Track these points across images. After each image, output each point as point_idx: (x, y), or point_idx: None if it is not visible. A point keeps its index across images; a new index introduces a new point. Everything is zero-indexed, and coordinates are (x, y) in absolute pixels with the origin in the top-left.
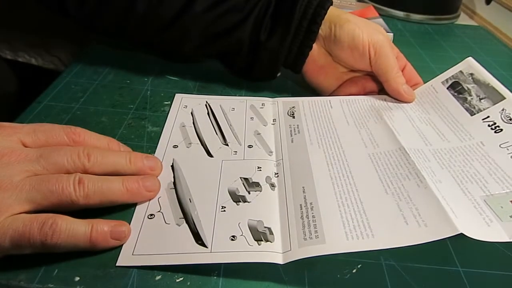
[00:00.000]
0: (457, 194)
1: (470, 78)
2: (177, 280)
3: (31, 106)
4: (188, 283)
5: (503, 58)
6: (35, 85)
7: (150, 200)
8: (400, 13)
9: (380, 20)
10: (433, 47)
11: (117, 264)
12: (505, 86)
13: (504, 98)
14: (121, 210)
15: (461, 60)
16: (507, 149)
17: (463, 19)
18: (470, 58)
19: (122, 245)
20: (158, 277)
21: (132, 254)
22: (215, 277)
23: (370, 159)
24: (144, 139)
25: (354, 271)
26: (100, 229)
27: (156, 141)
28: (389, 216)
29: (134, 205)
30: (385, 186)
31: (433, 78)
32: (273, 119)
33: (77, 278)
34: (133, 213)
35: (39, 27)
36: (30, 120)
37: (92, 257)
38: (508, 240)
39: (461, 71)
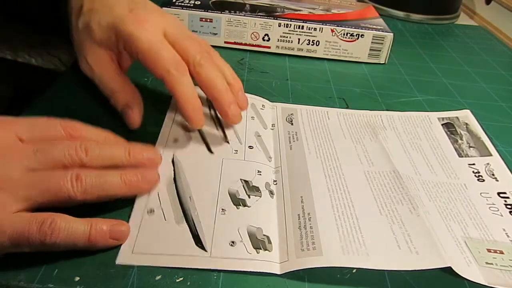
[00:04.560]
0: (442, 229)
1: (465, 126)
2: (177, 280)
3: (31, 106)
4: (188, 283)
5: (503, 58)
6: (35, 85)
7: (149, 193)
8: (400, 13)
9: (380, 20)
10: (433, 47)
11: (117, 262)
12: (494, 146)
13: (491, 155)
14: (119, 205)
15: (461, 60)
16: (487, 200)
17: (463, 19)
18: (468, 111)
19: (121, 244)
20: (158, 277)
21: (132, 252)
22: (215, 277)
23: (365, 176)
24: (145, 140)
25: (354, 271)
26: (99, 229)
27: (156, 142)
28: (383, 237)
29: (132, 200)
30: (379, 207)
31: (433, 77)
32: (272, 124)
33: (77, 278)
34: (132, 209)
35: (39, 27)
36: None
37: (92, 257)
38: (486, 284)
39: (457, 117)
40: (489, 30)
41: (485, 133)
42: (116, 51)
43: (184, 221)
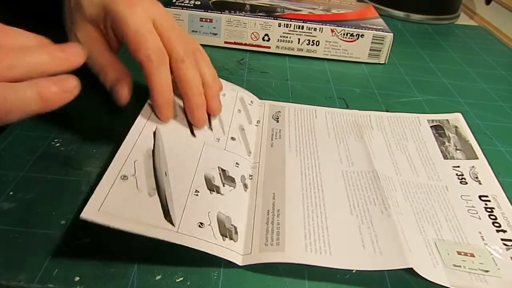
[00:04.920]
0: (414, 229)
1: (454, 129)
2: (177, 280)
3: None
4: (188, 283)
5: (503, 58)
6: None
7: (125, 160)
8: (400, 13)
9: (380, 20)
10: (433, 47)
11: (81, 216)
12: (482, 150)
13: (477, 159)
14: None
15: (461, 60)
16: (467, 202)
17: (463, 19)
18: (459, 114)
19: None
20: (158, 277)
21: (99, 210)
22: (215, 277)
23: (343, 176)
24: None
25: (354, 271)
26: (47, 86)
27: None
28: (349, 237)
29: (107, 165)
30: (351, 206)
31: (433, 77)
32: (257, 121)
33: (77, 278)
34: (104, 171)
35: (39, 27)
36: (30, 120)
37: (92, 257)
38: (449, 286)
39: (447, 120)
40: (489, 30)
41: (474, 136)
42: (104, 30)
43: (156, 194)
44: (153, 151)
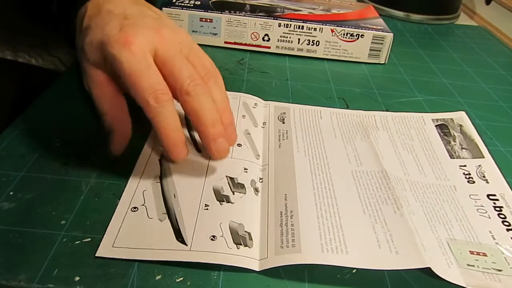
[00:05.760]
0: (426, 229)
1: (459, 128)
2: (177, 280)
3: (31, 106)
4: (188, 283)
5: (503, 58)
6: (35, 85)
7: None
8: (400, 13)
9: (380, 20)
10: (433, 47)
11: (96, 255)
12: (487, 148)
13: (483, 157)
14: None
15: (461, 60)
16: (475, 201)
17: (463, 19)
18: (463, 112)
19: (103, 235)
20: (158, 277)
21: (112, 246)
22: (215, 277)
23: (353, 175)
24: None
25: (354, 271)
26: None
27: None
28: (363, 236)
29: (118, 197)
30: (364, 206)
31: (433, 77)
32: (263, 122)
33: (77, 278)
34: (117, 205)
35: (39, 27)
36: (30, 121)
37: (92, 257)
38: (464, 286)
39: (452, 119)
40: (489, 30)
41: (479, 135)
42: (110, 73)
43: (167, 218)
44: (160, 177)
